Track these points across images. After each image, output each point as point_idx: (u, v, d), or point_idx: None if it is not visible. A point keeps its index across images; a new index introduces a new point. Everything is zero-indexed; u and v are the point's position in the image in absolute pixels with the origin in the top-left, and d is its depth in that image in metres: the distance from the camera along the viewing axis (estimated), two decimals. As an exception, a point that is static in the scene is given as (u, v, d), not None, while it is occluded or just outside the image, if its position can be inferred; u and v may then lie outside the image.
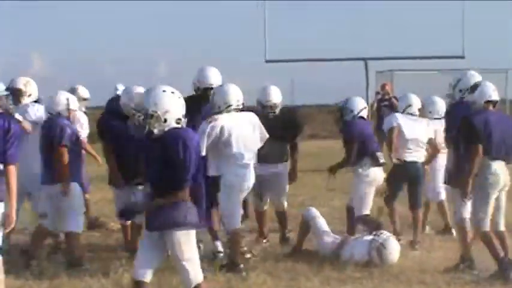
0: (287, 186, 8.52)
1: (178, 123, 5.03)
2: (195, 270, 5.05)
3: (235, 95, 7.11)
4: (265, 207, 8.55)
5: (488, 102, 6.91)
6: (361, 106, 8.19)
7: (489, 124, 6.73)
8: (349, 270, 6.98)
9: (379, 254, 7.24)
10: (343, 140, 8.11)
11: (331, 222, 8.06)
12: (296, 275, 6.87)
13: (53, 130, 7.19)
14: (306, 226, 7.91)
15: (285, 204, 8.58)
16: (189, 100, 7.65)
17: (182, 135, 4.95)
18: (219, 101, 7.09)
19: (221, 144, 6.93)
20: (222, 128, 6.91)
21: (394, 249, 7.31)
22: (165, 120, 4.97)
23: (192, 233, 5.03)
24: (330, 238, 7.71)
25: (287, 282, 6.68)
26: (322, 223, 7.86)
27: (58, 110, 7.31)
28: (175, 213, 4.92)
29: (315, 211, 7.99)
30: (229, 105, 7.05)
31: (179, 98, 5.10)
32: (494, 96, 6.97)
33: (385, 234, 7.45)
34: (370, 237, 7.45)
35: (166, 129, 4.96)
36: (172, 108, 5.00)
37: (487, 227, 6.80)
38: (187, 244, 4.99)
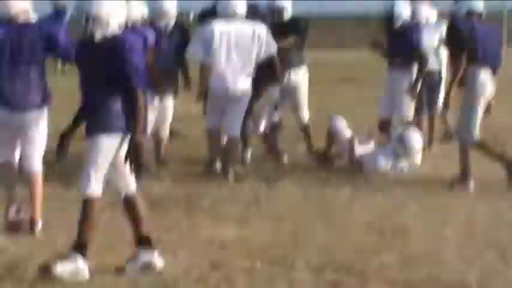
0: (306, 97, 8.28)
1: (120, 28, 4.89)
2: (91, 179, 4.64)
3: (233, 5, 7.13)
4: (277, 119, 8.34)
5: (472, 12, 6.92)
6: (407, 9, 7.86)
7: (475, 30, 6.73)
8: (379, 182, 7.01)
9: (402, 141, 7.39)
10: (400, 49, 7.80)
11: (357, 133, 8.00)
12: (324, 185, 6.90)
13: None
14: (332, 138, 7.94)
15: (307, 116, 8.32)
16: (207, 13, 7.64)
17: (126, 38, 4.81)
18: (218, 8, 7.20)
19: (212, 50, 6.98)
20: (212, 32, 6.98)
21: (415, 134, 7.45)
22: (108, 25, 4.79)
23: (114, 138, 4.69)
24: (358, 149, 7.74)
25: (316, 192, 6.67)
26: (348, 135, 7.85)
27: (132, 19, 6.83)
28: (103, 117, 4.68)
29: (340, 122, 7.98)
30: (226, 13, 7.10)
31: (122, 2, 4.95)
32: (477, 7, 6.95)
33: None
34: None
35: (108, 33, 4.78)
36: (115, 13, 4.80)
37: (477, 136, 6.74)
38: (97, 148, 4.65)
